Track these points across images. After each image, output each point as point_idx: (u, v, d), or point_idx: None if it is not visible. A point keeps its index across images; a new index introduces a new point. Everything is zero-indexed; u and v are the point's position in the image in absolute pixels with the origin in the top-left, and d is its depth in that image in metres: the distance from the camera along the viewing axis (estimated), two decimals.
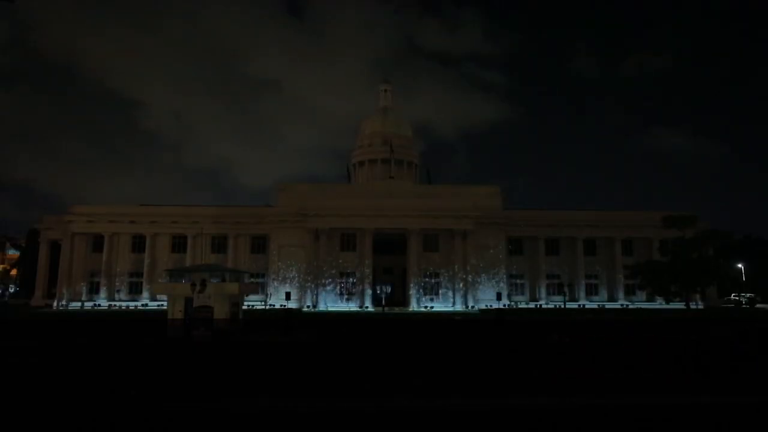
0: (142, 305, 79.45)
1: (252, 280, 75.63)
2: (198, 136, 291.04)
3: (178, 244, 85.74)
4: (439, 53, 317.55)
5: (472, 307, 77.47)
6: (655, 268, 64.38)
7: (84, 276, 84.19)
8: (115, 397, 17.23)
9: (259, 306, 74.76)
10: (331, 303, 78.63)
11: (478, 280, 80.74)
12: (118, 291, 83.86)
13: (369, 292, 78.04)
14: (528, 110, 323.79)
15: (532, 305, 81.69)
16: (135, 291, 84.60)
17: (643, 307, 78.27)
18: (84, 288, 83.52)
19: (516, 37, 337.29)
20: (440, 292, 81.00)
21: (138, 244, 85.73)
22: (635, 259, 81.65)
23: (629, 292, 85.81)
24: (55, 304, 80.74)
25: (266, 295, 79.04)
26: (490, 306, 73.87)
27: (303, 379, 20.61)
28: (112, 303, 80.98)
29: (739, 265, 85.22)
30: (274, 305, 74.33)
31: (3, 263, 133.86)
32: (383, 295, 65.59)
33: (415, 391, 18.48)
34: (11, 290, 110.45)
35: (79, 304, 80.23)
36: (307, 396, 17.74)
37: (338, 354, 29.18)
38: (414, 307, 77.06)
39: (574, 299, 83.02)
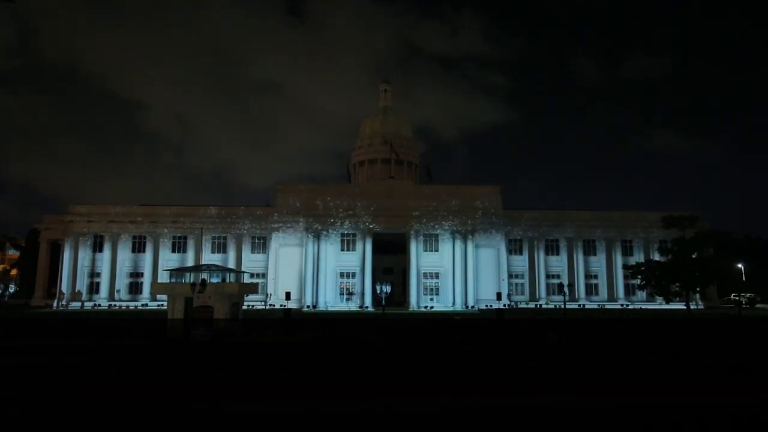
0: (142, 305, 79.47)
1: (252, 280, 75.62)
2: (198, 136, 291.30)
3: (179, 244, 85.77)
4: (439, 55, 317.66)
5: (472, 307, 77.49)
6: (655, 268, 64.36)
7: (84, 276, 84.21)
8: (114, 397, 17.24)
9: (259, 306, 74.79)
10: (331, 303, 78.72)
11: (478, 280, 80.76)
12: (118, 291, 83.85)
13: (369, 291, 78.15)
14: (528, 111, 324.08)
15: (532, 305, 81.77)
16: (135, 291, 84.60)
17: (643, 307, 78.35)
18: (84, 288, 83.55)
19: (516, 39, 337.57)
20: (440, 291, 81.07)
21: (138, 244, 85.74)
22: (635, 259, 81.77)
23: (629, 292, 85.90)
24: (55, 304, 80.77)
25: (266, 295, 79.01)
26: (490, 306, 73.88)
27: (303, 380, 20.63)
28: (112, 303, 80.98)
29: (739, 265, 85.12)
30: (274, 305, 74.30)
31: (3, 263, 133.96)
32: (383, 295, 65.50)
33: (416, 391, 18.50)
34: (11, 290, 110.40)
35: (79, 304, 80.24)
36: (307, 396, 17.76)
37: (338, 354, 29.17)
38: (414, 307, 77.14)
39: (574, 299, 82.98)
